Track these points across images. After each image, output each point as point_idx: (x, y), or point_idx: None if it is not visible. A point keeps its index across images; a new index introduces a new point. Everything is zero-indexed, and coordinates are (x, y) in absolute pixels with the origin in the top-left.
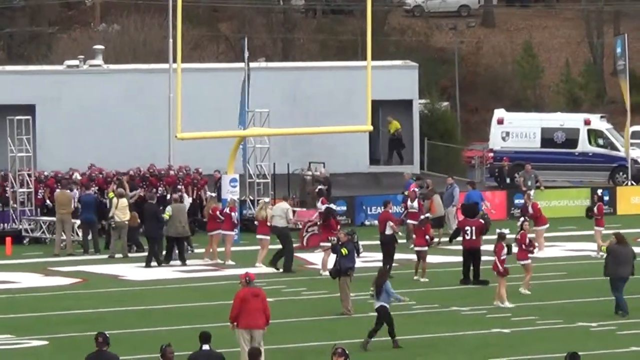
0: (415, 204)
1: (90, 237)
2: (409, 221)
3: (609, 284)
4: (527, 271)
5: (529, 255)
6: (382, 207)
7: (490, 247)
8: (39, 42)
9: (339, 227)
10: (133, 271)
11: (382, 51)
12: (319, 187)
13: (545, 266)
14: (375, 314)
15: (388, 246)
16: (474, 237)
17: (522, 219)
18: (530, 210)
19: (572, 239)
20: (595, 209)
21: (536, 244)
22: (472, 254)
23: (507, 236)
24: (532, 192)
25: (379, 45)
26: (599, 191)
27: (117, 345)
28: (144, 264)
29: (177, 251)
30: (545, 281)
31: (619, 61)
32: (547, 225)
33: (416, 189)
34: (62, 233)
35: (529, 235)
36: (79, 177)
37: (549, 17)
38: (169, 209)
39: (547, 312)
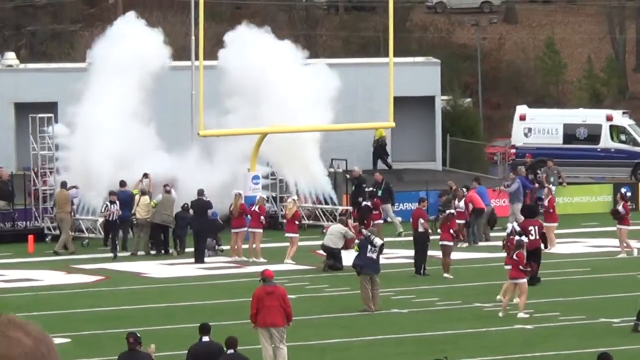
0: (462, 203)
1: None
2: (457, 221)
3: (627, 280)
4: (523, 292)
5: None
6: (418, 204)
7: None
8: (61, 39)
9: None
10: (155, 268)
11: (404, 48)
12: (370, 188)
13: (568, 262)
14: None
15: (421, 243)
16: (537, 237)
17: (521, 237)
18: (546, 204)
19: (595, 235)
20: (621, 208)
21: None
22: (534, 254)
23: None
24: (553, 188)
25: (401, 42)
26: (623, 190)
27: None
28: (166, 261)
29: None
30: (568, 277)
31: None
32: (557, 224)
33: (464, 189)
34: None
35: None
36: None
37: (571, 13)
38: (158, 197)
39: (570, 308)
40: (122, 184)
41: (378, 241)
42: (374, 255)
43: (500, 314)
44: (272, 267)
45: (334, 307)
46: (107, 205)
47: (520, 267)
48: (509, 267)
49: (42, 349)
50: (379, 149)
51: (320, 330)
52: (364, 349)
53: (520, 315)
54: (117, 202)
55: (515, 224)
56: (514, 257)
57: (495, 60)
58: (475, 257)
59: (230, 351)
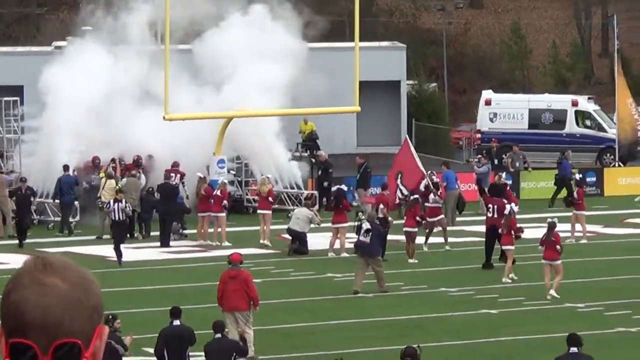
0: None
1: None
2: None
3: (592, 265)
4: (558, 273)
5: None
6: (380, 189)
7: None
8: (27, 23)
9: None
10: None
11: (370, 32)
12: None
13: (533, 247)
14: None
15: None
16: (495, 216)
17: (510, 206)
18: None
19: (560, 220)
20: (575, 194)
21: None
22: (493, 232)
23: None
24: (504, 174)
25: (367, 27)
26: (577, 176)
27: None
28: (131, 244)
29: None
30: (533, 262)
31: (616, 41)
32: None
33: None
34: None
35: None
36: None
37: None
38: (123, 181)
39: (535, 293)
40: (65, 168)
41: (364, 225)
42: (367, 239)
43: (548, 296)
44: (238, 251)
45: (299, 292)
46: (108, 204)
47: (558, 246)
48: (506, 247)
49: (79, 294)
50: (311, 143)
51: (285, 314)
52: (329, 333)
53: (552, 293)
54: (123, 201)
55: (513, 204)
56: (552, 238)
57: (461, 45)
58: (440, 242)
59: (218, 335)
